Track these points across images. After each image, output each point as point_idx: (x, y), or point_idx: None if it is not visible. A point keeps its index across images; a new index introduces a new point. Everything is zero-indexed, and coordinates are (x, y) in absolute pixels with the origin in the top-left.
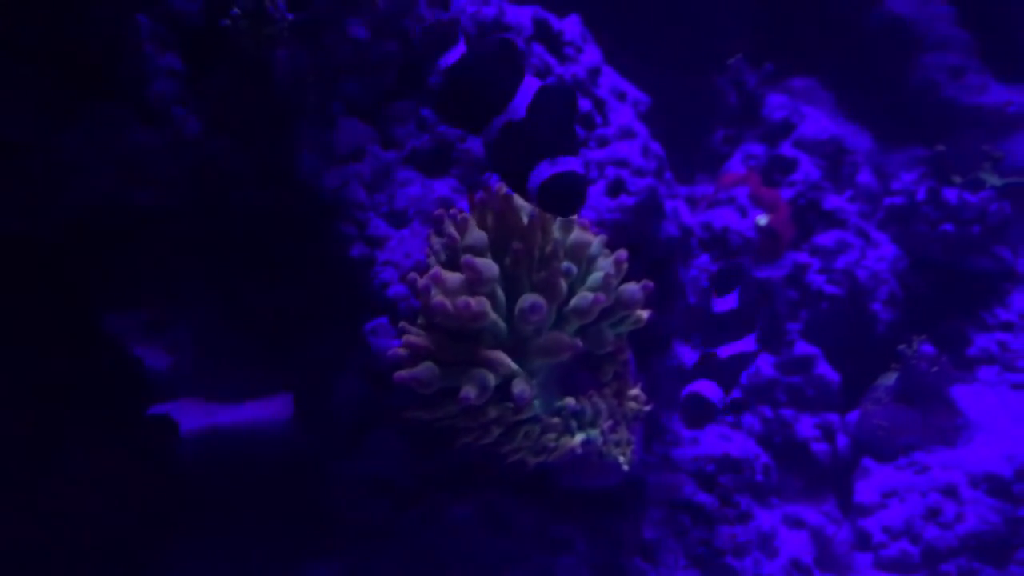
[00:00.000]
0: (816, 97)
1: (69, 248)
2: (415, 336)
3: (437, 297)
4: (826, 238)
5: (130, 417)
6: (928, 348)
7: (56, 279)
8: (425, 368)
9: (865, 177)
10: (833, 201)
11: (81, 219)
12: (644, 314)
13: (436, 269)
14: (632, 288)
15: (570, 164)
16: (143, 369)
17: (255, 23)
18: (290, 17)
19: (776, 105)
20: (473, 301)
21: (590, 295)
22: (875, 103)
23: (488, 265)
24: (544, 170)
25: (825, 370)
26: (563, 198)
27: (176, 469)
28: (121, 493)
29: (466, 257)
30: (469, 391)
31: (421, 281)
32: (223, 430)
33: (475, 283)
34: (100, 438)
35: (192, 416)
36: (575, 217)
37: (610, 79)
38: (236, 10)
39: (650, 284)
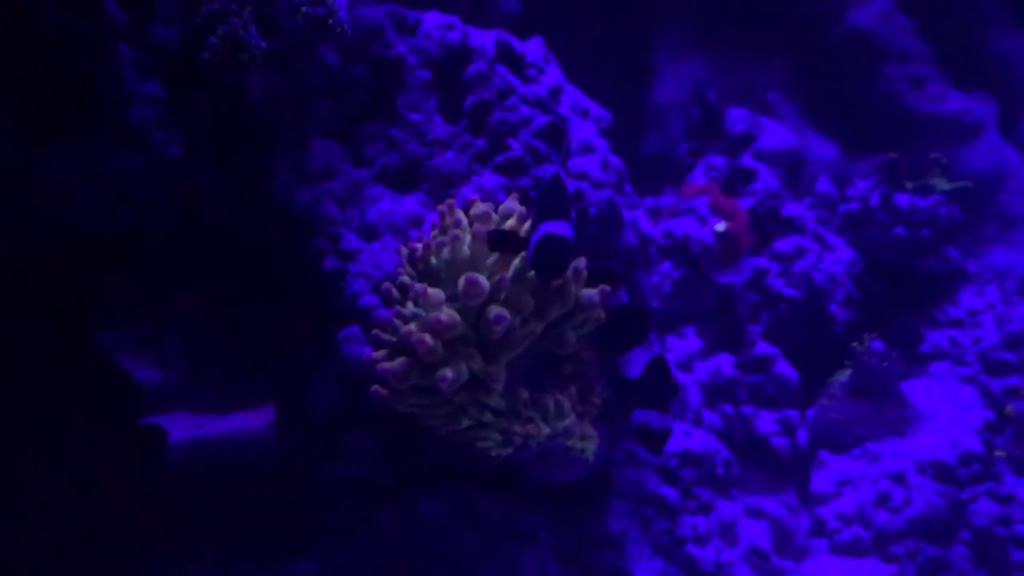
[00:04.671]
0: (783, 109)
1: (57, 266)
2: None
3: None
4: (785, 243)
5: (121, 427)
6: (878, 345)
7: (45, 296)
8: (401, 363)
9: (824, 185)
10: (791, 208)
11: (67, 238)
12: (603, 314)
13: (422, 286)
14: (590, 292)
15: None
16: (133, 381)
17: (230, 51)
18: (263, 44)
19: (736, 118)
20: (444, 315)
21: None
22: (840, 113)
23: (484, 281)
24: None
25: (784, 368)
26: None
27: (166, 476)
28: (112, 500)
29: (468, 275)
30: (446, 373)
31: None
32: (210, 439)
33: (470, 296)
34: (91, 448)
35: (182, 426)
36: None
37: (572, 97)
38: (213, 39)
39: (607, 288)
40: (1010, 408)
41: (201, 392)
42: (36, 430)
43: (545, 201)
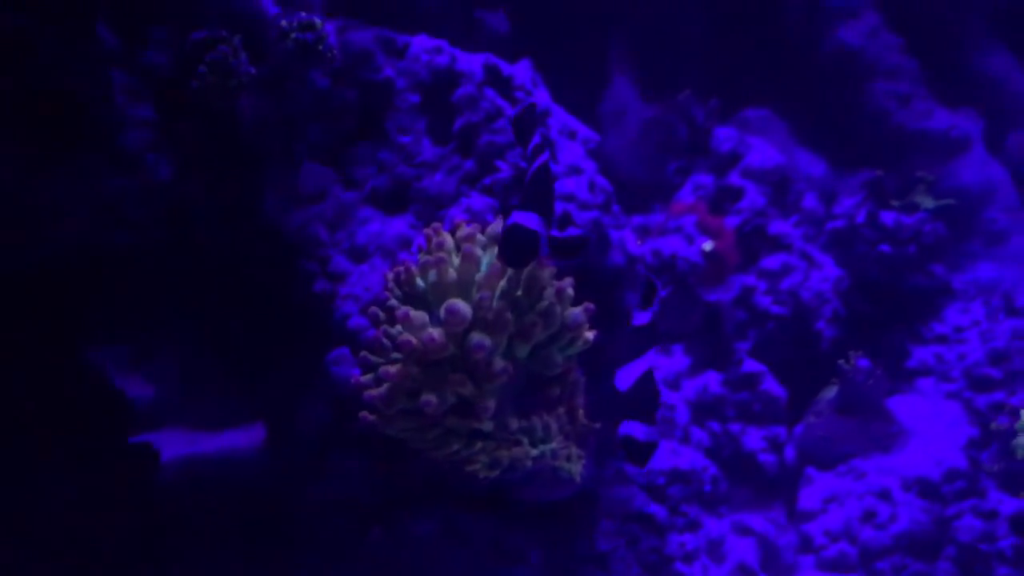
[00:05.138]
0: (771, 126)
1: (51, 285)
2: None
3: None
4: (772, 261)
5: (113, 445)
6: (864, 362)
7: (38, 314)
8: (388, 387)
9: (810, 202)
10: (778, 226)
11: (62, 258)
12: (590, 335)
13: (405, 309)
14: (575, 312)
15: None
16: (125, 399)
17: (220, 78)
18: (252, 71)
19: (724, 137)
20: (436, 334)
21: (527, 322)
22: (829, 130)
23: (466, 307)
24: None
25: (771, 386)
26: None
27: (157, 495)
28: (104, 518)
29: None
30: (430, 398)
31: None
32: (202, 457)
33: (452, 323)
34: (84, 466)
35: (175, 444)
36: None
37: (560, 119)
38: (203, 67)
39: (591, 307)
40: (995, 424)
41: (196, 409)
42: (27, 449)
43: (529, 192)
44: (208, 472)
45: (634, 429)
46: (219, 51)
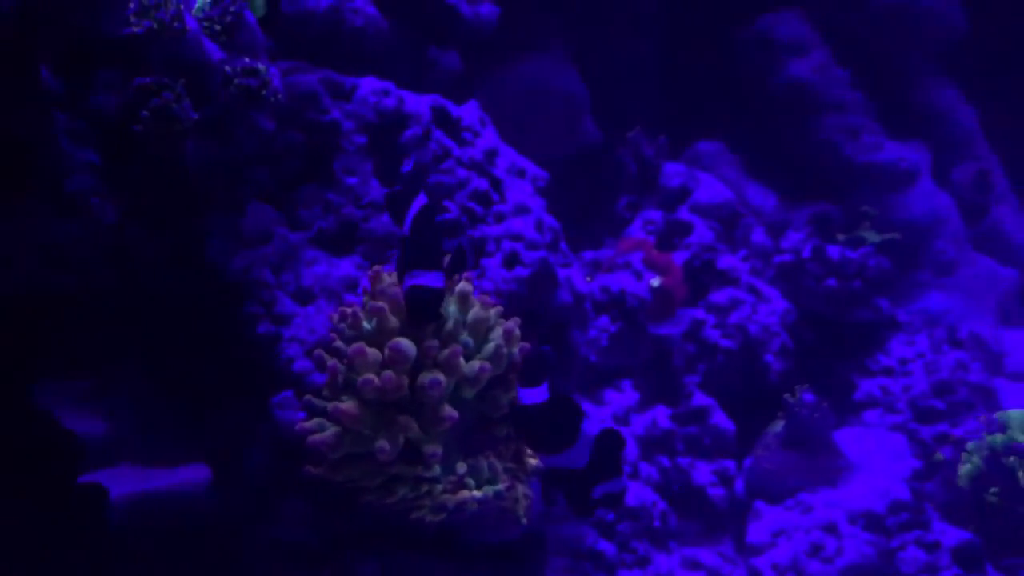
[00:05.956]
0: (723, 160)
1: None
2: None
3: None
4: (720, 296)
5: (62, 484)
6: (809, 396)
7: None
8: (333, 433)
9: (759, 236)
10: (727, 261)
11: (7, 302)
12: None
13: (359, 345)
14: (516, 353)
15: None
16: (76, 438)
17: (163, 123)
18: (195, 116)
19: (673, 173)
20: (392, 375)
21: (476, 364)
22: (781, 163)
23: (409, 346)
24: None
25: (720, 419)
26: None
27: (106, 533)
28: (52, 557)
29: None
30: (384, 444)
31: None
32: (153, 494)
33: (396, 362)
34: (31, 506)
35: (128, 480)
36: (471, 291)
37: (508, 158)
38: (146, 112)
39: (527, 345)
40: (939, 455)
41: (149, 445)
42: None
43: (416, 243)
44: (158, 510)
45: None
46: (163, 97)
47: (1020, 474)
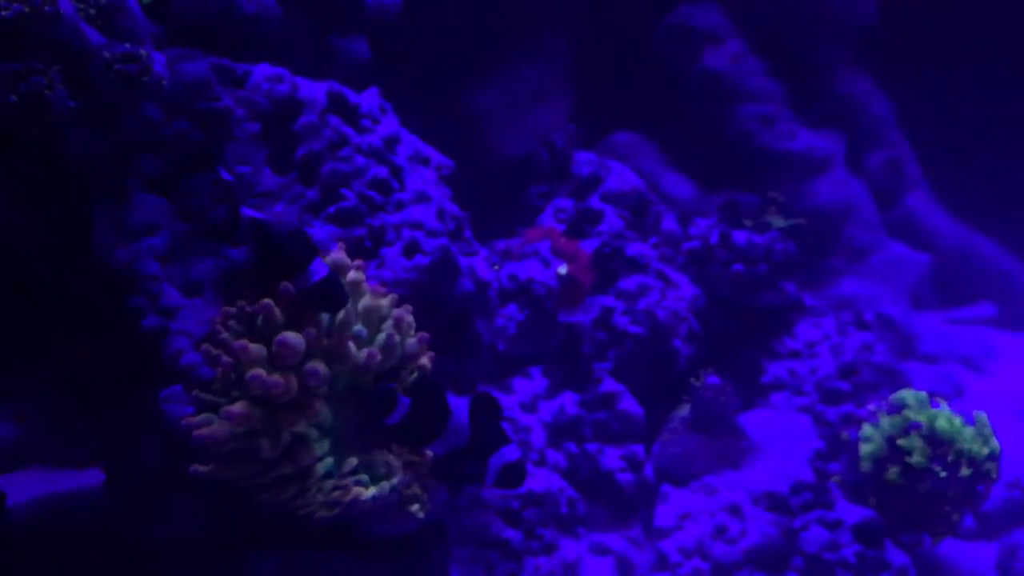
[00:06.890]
0: (641, 150)
1: None
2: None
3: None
4: (629, 282)
5: None
6: (713, 379)
7: None
8: (220, 427)
9: (669, 224)
10: (636, 248)
11: None
12: (425, 362)
13: (242, 342)
14: (410, 343)
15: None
16: None
17: (35, 111)
18: (71, 104)
19: (584, 161)
20: (280, 380)
21: (365, 352)
22: (698, 152)
23: (297, 339)
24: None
25: (629, 404)
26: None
27: (5, 537)
28: None
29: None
30: (263, 442)
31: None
32: (54, 497)
33: (284, 357)
34: None
35: (34, 483)
36: (363, 280)
37: (411, 145)
38: (14, 97)
39: (426, 336)
40: (845, 435)
41: (59, 446)
42: None
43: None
44: (55, 512)
45: (510, 453)
46: (31, 83)
47: (916, 453)
